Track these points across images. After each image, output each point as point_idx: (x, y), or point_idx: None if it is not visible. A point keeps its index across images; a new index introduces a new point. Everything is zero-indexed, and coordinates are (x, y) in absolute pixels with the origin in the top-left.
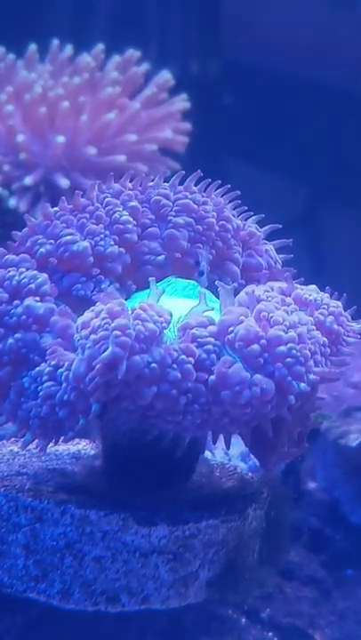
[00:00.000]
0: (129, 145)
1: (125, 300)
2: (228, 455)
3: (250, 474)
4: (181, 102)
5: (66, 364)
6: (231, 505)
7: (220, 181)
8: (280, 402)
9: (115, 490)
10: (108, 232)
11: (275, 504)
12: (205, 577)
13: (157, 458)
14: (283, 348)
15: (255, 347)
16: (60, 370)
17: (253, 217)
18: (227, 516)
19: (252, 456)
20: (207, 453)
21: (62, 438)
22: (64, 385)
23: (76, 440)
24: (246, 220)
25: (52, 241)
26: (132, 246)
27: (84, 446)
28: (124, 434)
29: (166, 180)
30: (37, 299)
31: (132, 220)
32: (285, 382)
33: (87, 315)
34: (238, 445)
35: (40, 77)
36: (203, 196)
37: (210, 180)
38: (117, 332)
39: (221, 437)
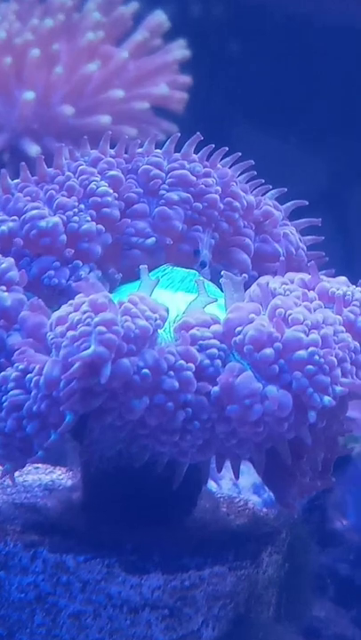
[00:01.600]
0: (114, 103)
1: (109, 292)
2: (237, 487)
3: (264, 509)
4: (179, 50)
5: (36, 367)
6: (241, 548)
7: (226, 148)
8: (299, 419)
9: (97, 529)
10: (82, 206)
11: (295, 547)
12: (210, 637)
13: (150, 489)
14: (303, 352)
15: (268, 351)
16: (29, 375)
17: (272, 191)
18: (236, 561)
19: (266, 488)
20: (212, 484)
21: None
22: (33, 393)
23: (50, 468)
24: (263, 195)
25: (16, 217)
26: (112, 224)
27: (59, 475)
28: (109, 459)
29: (160, 146)
30: (3, 288)
31: (111, 191)
32: (306, 395)
33: (64, 309)
34: (250, 475)
35: (4, 19)
36: (204, 166)
37: (213, 145)
38: (102, 328)
39: (229, 464)
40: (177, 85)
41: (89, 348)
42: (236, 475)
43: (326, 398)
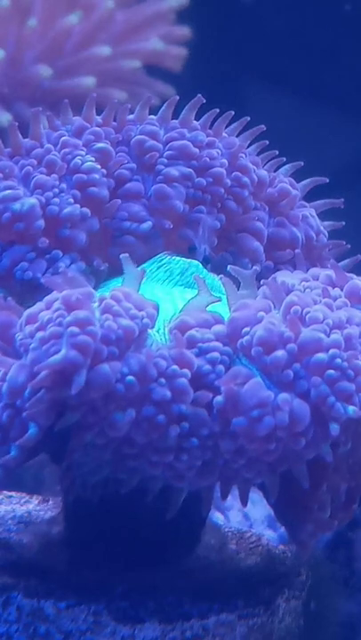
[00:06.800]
0: (99, 62)
1: (95, 288)
2: (248, 519)
3: (281, 546)
4: None
5: (1, 372)
6: (253, 592)
7: (232, 112)
8: (319, 434)
9: (81, 570)
10: (64, 185)
11: (318, 591)
12: None
13: (144, 522)
14: (322, 355)
15: (280, 353)
16: None
17: (287, 166)
18: (247, 608)
19: None
20: (218, 517)
21: None
22: None
23: (25, 497)
24: (276, 170)
25: None
26: (100, 206)
27: (37, 506)
28: (93, 486)
29: (154, 112)
30: None
31: (98, 167)
32: (326, 405)
33: (37, 306)
34: (263, 505)
35: None
36: (208, 135)
37: (218, 110)
38: (74, 329)
39: (237, 491)
40: (173, 39)
41: (59, 351)
42: (245, 502)
43: (351, 408)
